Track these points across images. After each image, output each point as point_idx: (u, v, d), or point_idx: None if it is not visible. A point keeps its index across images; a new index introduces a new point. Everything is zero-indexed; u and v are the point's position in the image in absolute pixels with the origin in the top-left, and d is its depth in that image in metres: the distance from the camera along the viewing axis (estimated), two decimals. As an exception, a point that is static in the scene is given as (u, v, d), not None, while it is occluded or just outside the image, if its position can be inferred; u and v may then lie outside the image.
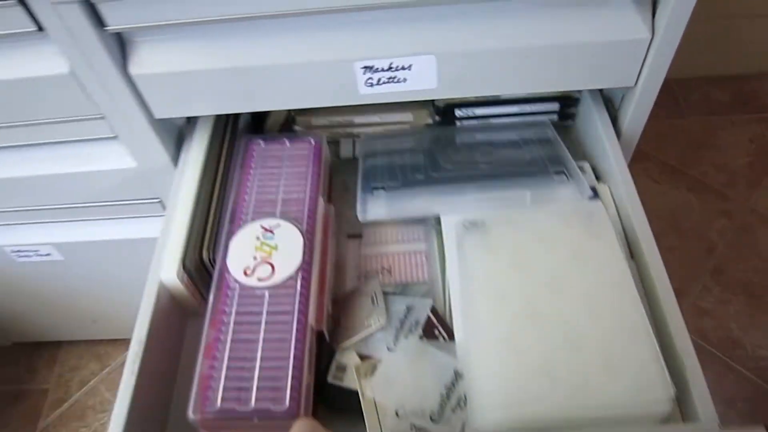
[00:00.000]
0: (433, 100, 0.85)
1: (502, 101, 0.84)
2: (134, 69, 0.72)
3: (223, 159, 0.82)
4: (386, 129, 0.88)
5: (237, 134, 0.87)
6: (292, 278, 0.63)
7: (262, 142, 0.77)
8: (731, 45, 1.75)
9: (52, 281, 1.18)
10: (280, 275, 0.63)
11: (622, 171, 0.73)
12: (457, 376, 0.61)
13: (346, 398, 0.62)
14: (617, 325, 0.59)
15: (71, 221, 1.03)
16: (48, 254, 1.08)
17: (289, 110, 0.86)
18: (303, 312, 0.61)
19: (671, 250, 1.49)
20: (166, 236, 0.71)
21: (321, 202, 0.72)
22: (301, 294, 0.62)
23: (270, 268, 0.64)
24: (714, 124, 1.74)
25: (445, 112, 0.85)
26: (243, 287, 0.63)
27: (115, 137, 0.83)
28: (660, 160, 1.67)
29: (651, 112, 1.74)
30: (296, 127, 0.88)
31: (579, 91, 0.83)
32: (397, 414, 0.60)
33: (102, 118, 0.79)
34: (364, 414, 0.60)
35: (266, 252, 0.65)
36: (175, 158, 0.85)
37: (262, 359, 0.58)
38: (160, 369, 0.67)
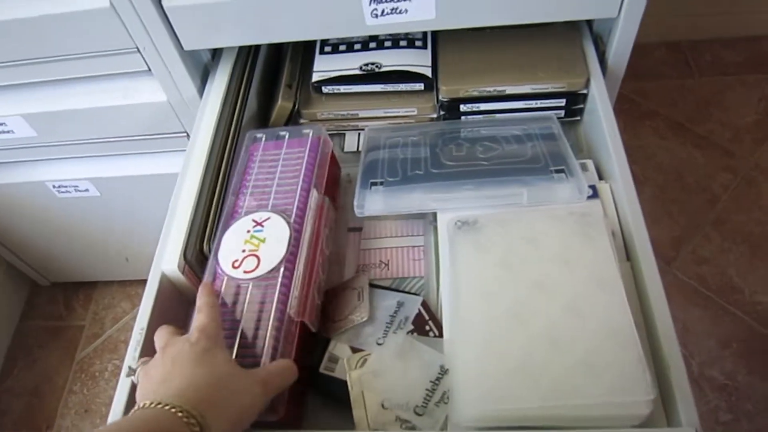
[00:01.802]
0: (437, 95, 0.86)
1: (508, 96, 0.84)
2: (167, 1, 0.80)
3: (240, 98, 0.87)
4: (391, 123, 0.89)
5: (255, 71, 0.93)
6: (276, 270, 0.64)
7: (264, 137, 0.78)
8: (744, 6, 1.75)
9: (90, 218, 1.27)
10: (264, 268, 0.64)
11: (622, 170, 0.72)
12: (443, 371, 0.62)
13: (337, 388, 0.64)
14: (602, 327, 0.59)
15: (107, 156, 1.11)
16: (86, 190, 1.17)
17: (294, 104, 0.88)
18: (283, 302, 0.62)
19: (674, 201, 1.53)
20: (169, 228, 0.73)
21: (314, 193, 0.71)
22: (283, 285, 0.63)
23: (256, 260, 0.65)
24: (724, 84, 1.75)
25: (449, 107, 0.86)
26: (229, 279, 0.64)
27: (148, 71, 0.91)
28: (668, 118, 1.70)
29: (661, 72, 1.77)
30: (302, 121, 0.90)
31: (586, 86, 0.83)
32: (383, 406, 0.62)
33: (137, 51, 0.87)
34: (352, 405, 0.62)
35: (254, 245, 0.66)
36: (201, 91, 0.92)
37: (239, 347, 0.60)
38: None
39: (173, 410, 0.47)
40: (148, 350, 0.64)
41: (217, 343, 0.56)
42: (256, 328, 0.61)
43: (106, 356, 1.51)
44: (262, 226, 0.68)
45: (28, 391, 1.48)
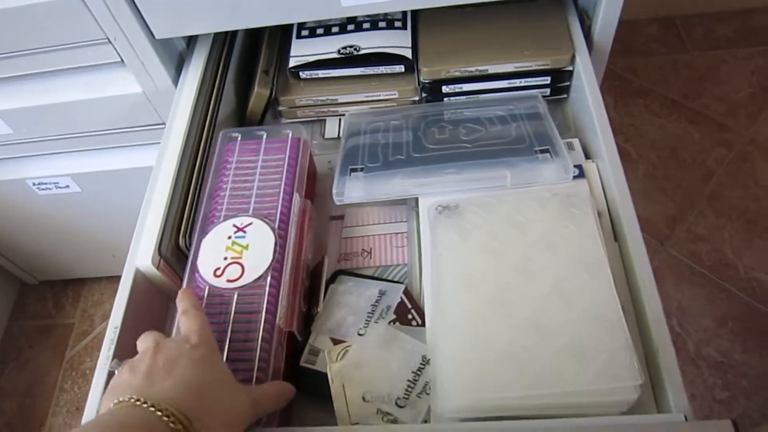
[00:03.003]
0: (418, 77, 0.83)
1: (491, 76, 0.81)
2: (134, -12, 0.77)
3: (216, 86, 0.84)
4: (372, 107, 0.86)
5: (231, 58, 0.90)
6: (262, 279, 0.61)
7: (240, 136, 0.74)
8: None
9: (73, 214, 1.25)
10: (249, 276, 0.61)
11: (609, 148, 0.68)
12: (425, 361, 0.60)
13: (318, 381, 0.62)
14: (588, 312, 0.57)
15: (86, 150, 1.09)
16: (67, 186, 1.15)
17: (271, 91, 0.85)
18: (272, 313, 0.59)
19: (668, 179, 1.51)
20: (143, 223, 0.71)
21: (297, 198, 0.68)
22: (270, 294, 0.60)
23: (240, 268, 0.61)
24: (717, 58, 1.73)
25: (431, 88, 0.83)
26: (212, 288, 0.61)
27: (121, 62, 0.88)
28: (661, 95, 1.67)
29: (652, 48, 1.74)
30: (280, 108, 0.87)
31: (571, 63, 0.80)
32: (364, 399, 0.60)
33: (108, 42, 0.84)
34: (333, 398, 0.61)
35: (237, 252, 0.63)
36: (177, 81, 0.89)
37: (227, 360, 0.57)
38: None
39: (159, 413, 0.44)
40: (121, 349, 0.61)
41: (216, 351, 0.53)
42: (245, 340, 0.58)
43: (96, 354, 1.49)
44: (244, 231, 0.64)
45: (19, 391, 1.46)
